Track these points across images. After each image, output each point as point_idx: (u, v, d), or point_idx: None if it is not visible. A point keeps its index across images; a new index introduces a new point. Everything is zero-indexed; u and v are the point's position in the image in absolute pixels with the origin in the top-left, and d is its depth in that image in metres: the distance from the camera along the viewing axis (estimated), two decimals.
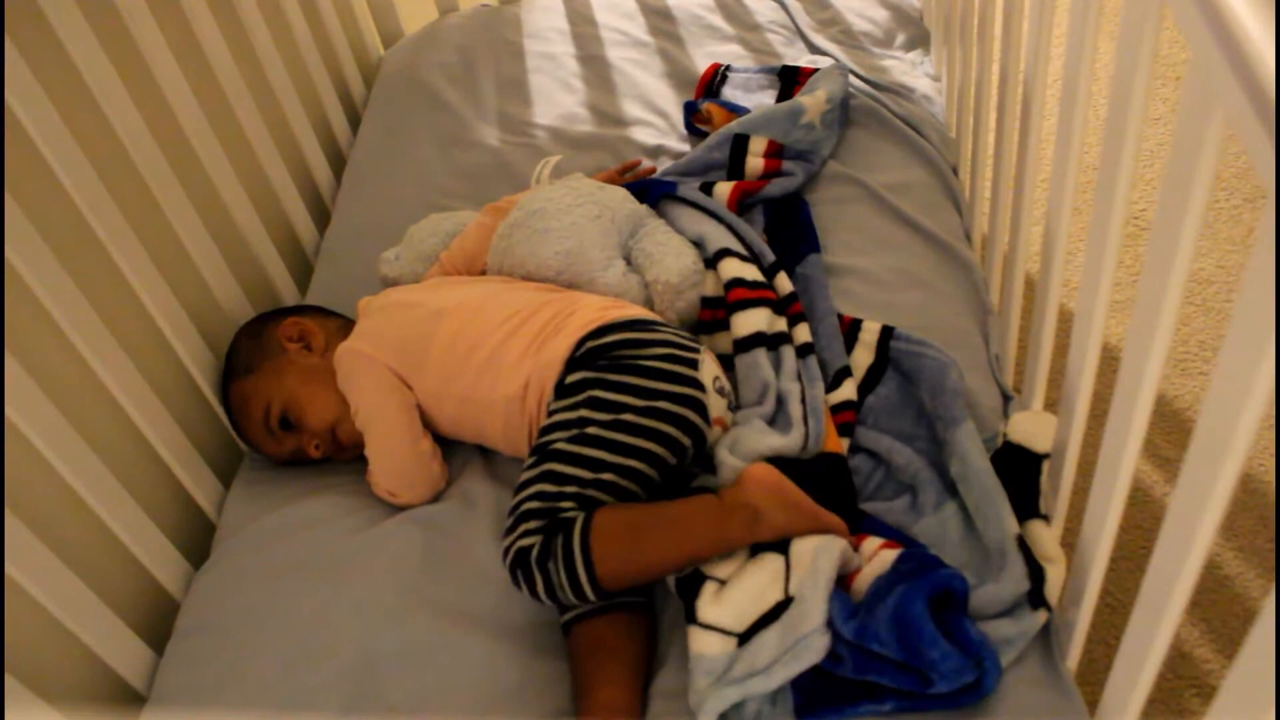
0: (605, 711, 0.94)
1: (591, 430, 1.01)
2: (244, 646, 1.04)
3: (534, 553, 0.96)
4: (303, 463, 1.21)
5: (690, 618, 0.96)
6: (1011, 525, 0.98)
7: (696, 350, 1.10)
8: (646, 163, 1.53)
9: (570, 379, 1.06)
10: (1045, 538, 0.98)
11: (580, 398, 1.04)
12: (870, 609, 0.90)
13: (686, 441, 1.05)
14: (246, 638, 1.04)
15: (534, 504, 0.98)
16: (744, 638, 0.94)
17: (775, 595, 0.95)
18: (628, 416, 1.02)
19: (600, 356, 1.07)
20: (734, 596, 0.96)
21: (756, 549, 0.99)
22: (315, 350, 1.21)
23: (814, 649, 0.89)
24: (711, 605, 0.96)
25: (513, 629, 1.03)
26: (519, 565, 0.97)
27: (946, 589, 0.89)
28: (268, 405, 1.17)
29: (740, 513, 0.97)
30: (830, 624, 0.90)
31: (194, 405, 1.23)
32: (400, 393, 1.15)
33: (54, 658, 0.98)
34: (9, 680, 0.87)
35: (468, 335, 1.14)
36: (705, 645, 0.94)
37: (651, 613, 1.03)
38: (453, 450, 1.20)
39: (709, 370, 1.10)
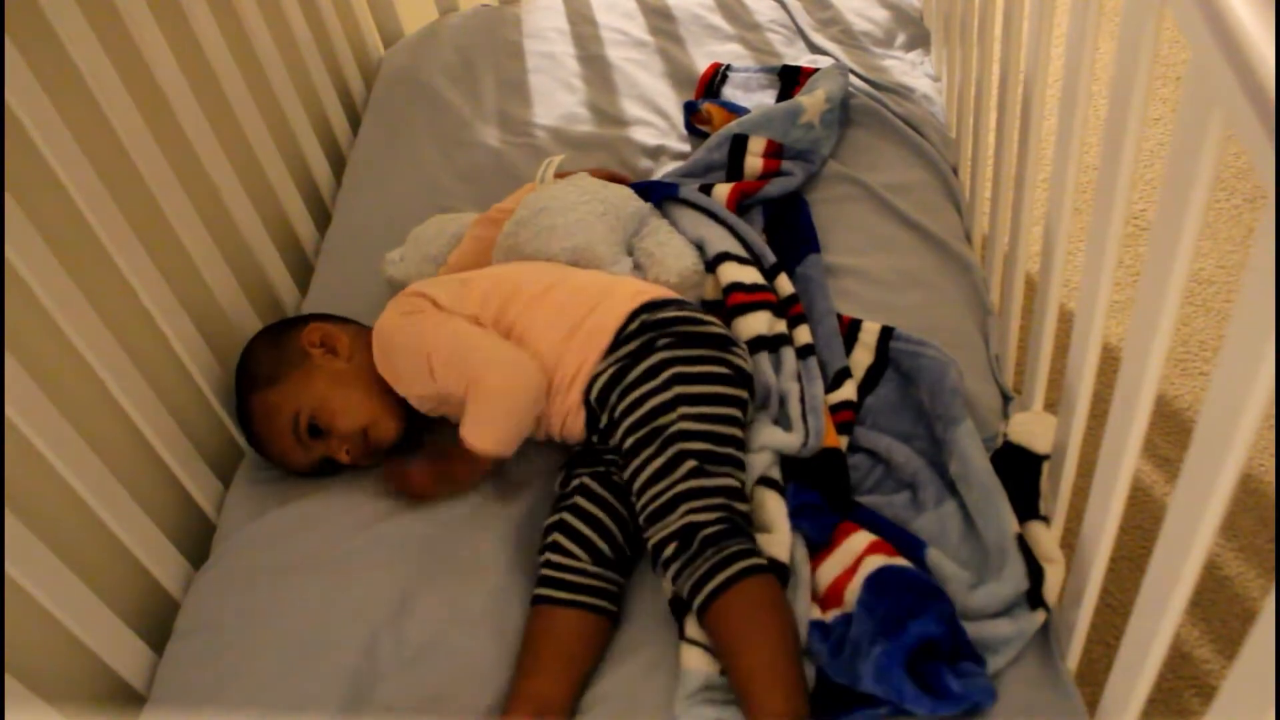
0: (532, 701, 0.95)
1: (700, 409, 1.03)
2: (244, 646, 1.04)
3: (706, 530, 0.95)
4: (325, 473, 1.18)
5: (681, 634, 0.98)
6: (1011, 524, 0.98)
7: (737, 340, 1.14)
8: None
9: (642, 365, 1.06)
10: (1044, 539, 0.98)
11: (666, 376, 1.04)
12: (852, 659, 0.91)
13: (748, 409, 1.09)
14: (246, 638, 1.04)
15: (705, 500, 0.98)
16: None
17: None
18: (719, 388, 1.05)
19: (657, 330, 1.09)
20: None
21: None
22: (341, 354, 1.19)
23: None
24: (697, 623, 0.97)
25: (513, 629, 1.03)
26: (683, 533, 0.96)
27: (924, 639, 0.89)
28: (297, 413, 1.14)
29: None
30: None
31: (194, 405, 1.22)
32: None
33: (54, 658, 0.98)
34: (9, 680, 0.87)
35: (499, 294, 1.15)
36: (692, 661, 0.95)
37: (615, 623, 1.03)
38: None
39: (748, 359, 1.13)
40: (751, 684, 0.90)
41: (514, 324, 1.13)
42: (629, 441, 1.03)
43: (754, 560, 0.95)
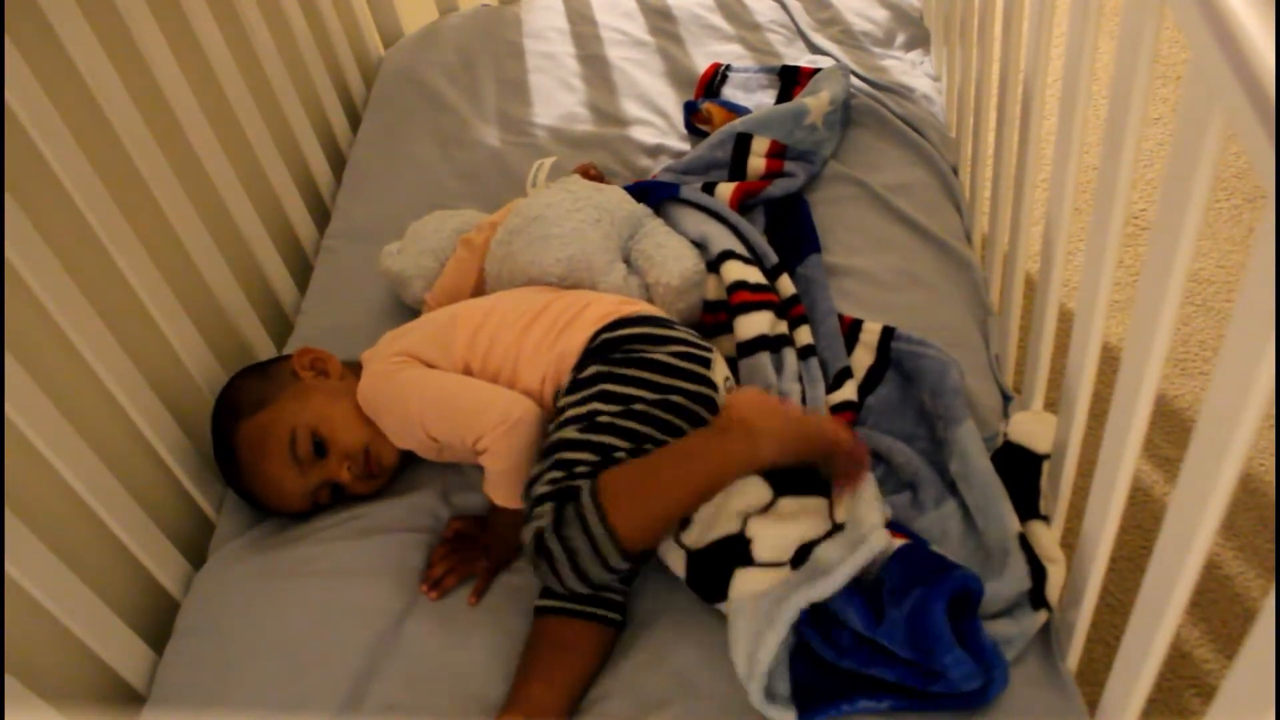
0: (533, 707, 0.95)
1: (602, 420, 1.00)
2: (244, 646, 1.04)
3: (547, 528, 0.94)
4: (317, 507, 1.15)
5: (711, 595, 0.96)
6: (1013, 524, 0.98)
7: (709, 350, 1.10)
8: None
9: (584, 373, 1.05)
10: (1045, 538, 0.98)
11: (591, 391, 1.03)
12: (885, 605, 0.90)
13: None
14: (246, 638, 1.04)
15: (545, 488, 0.97)
16: (795, 562, 0.94)
17: (823, 527, 0.95)
18: (638, 407, 1.01)
19: (614, 349, 1.07)
20: (777, 532, 0.96)
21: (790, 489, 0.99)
22: (332, 375, 1.17)
23: (878, 541, 0.90)
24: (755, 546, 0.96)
25: (513, 629, 1.03)
26: (539, 547, 0.94)
27: (964, 589, 0.89)
28: (294, 431, 1.09)
29: (735, 429, 0.98)
30: (852, 594, 0.90)
31: (194, 405, 1.22)
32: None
33: (54, 658, 0.98)
34: (9, 680, 0.87)
35: (486, 332, 1.14)
36: (755, 583, 0.93)
37: (619, 632, 1.03)
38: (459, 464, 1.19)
39: (720, 370, 1.10)
40: (700, 483, 0.98)
41: (503, 365, 1.12)
42: (544, 442, 1.03)
43: (587, 485, 0.94)
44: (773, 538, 0.95)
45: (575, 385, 1.05)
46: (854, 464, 0.99)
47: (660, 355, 1.06)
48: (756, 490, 0.99)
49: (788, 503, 0.99)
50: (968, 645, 0.87)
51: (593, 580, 0.94)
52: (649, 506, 0.95)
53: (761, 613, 0.91)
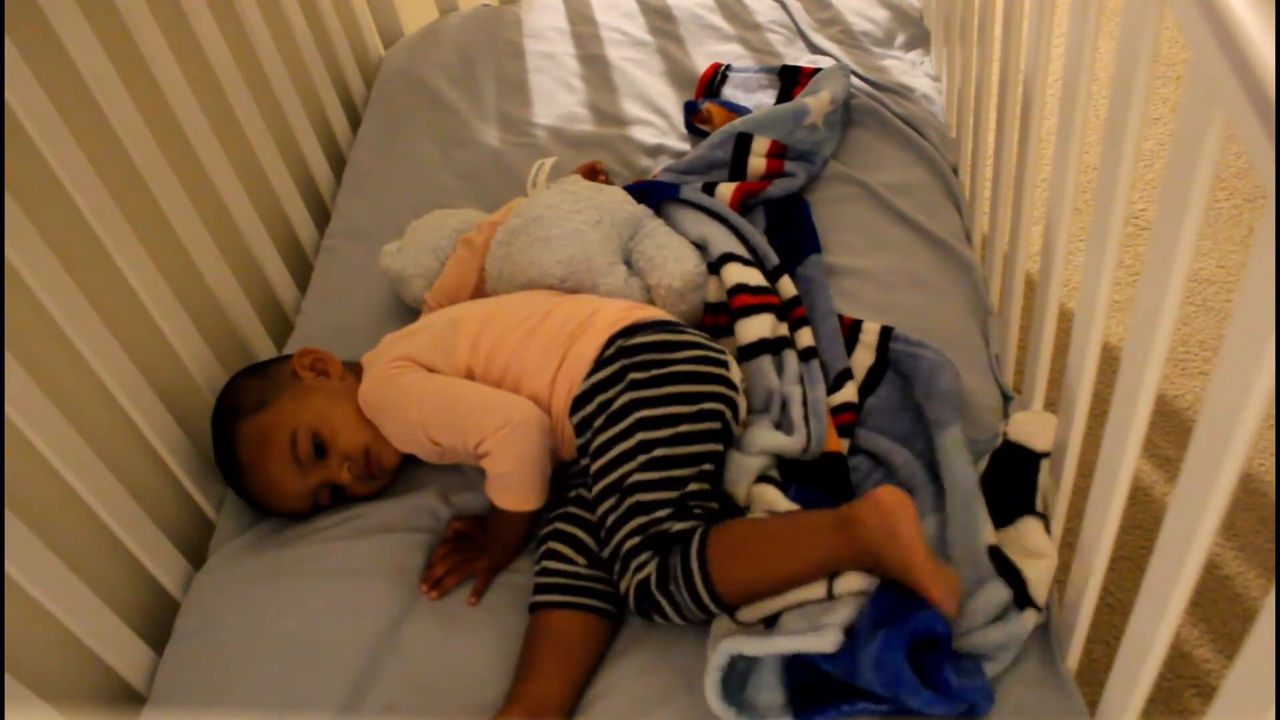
0: (533, 702, 0.95)
1: (659, 453, 1.01)
2: (244, 647, 1.04)
3: (653, 581, 0.95)
4: (316, 508, 1.15)
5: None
6: (986, 536, 0.98)
7: (723, 351, 1.11)
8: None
9: (609, 394, 1.05)
10: (1036, 534, 0.98)
11: (630, 421, 1.03)
12: (853, 649, 0.89)
13: (729, 436, 1.07)
14: (246, 638, 1.04)
15: (635, 539, 0.98)
16: (769, 623, 0.96)
17: (815, 592, 0.95)
18: (684, 428, 1.02)
19: (631, 358, 1.07)
20: (768, 603, 0.97)
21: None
22: (333, 376, 1.17)
23: (826, 639, 0.89)
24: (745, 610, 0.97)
25: (513, 630, 1.03)
26: (643, 599, 0.96)
27: (928, 632, 0.88)
28: (294, 432, 1.09)
29: (848, 529, 0.94)
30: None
31: (194, 405, 1.22)
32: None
33: (54, 658, 0.98)
34: (9, 680, 0.87)
35: (489, 336, 1.13)
36: (724, 627, 0.96)
37: (617, 622, 1.03)
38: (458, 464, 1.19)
39: (735, 371, 1.11)
40: (805, 562, 0.95)
41: (507, 370, 1.12)
42: (595, 487, 1.03)
43: (695, 539, 0.96)
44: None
45: (608, 416, 1.04)
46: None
47: (681, 364, 1.06)
48: None
49: None
50: (937, 686, 0.87)
51: (688, 621, 0.97)
52: (748, 575, 0.95)
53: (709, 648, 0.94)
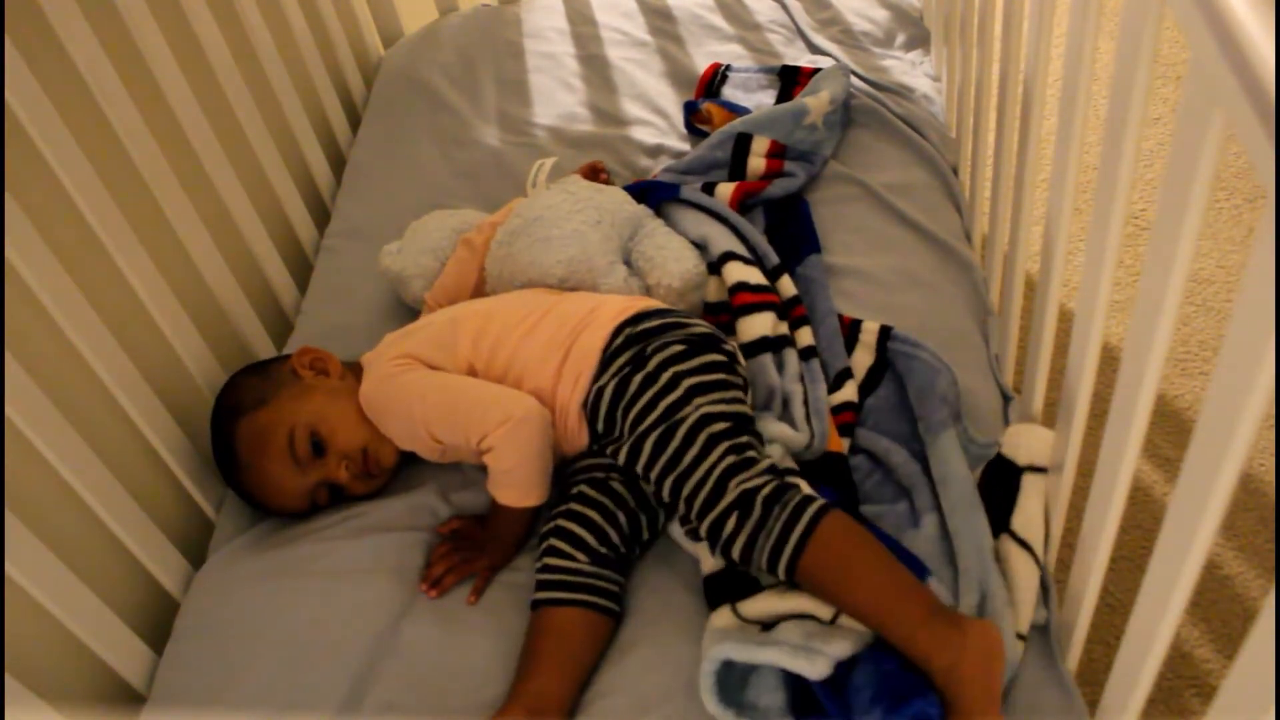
0: (534, 700, 0.95)
1: (715, 396, 1.03)
2: (243, 646, 1.04)
3: (764, 491, 0.95)
4: (314, 507, 1.14)
5: (712, 607, 0.99)
6: (989, 540, 0.98)
7: (726, 338, 1.13)
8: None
9: (651, 370, 1.05)
10: (1015, 559, 0.98)
11: (680, 392, 1.03)
12: (849, 706, 0.88)
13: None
14: (246, 638, 1.04)
15: (766, 478, 0.97)
16: (767, 626, 0.95)
17: (823, 613, 0.94)
18: (720, 375, 1.06)
19: (644, 339, 1.08)
20: (774, 602, 0.96)
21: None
22: (333, 375, 1.17)
23: (816, 666, 0.88)
24: (749, 602, 0.97)
25: (513, 628, 1.03)
26: (742, 504, 0.95)
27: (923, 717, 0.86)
28: (292, 430, 1.09)
29: (944, 628, 0.89)
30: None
31: (194, 405, 1.22)
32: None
33: (54, 658, 0.98)
34: (9, 680, 0.87)
35: (490, 333, 1.14)
36: (723, 620, 0.96)
37: (618, 621, 1.03)
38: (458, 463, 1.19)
39: (737, 351, 1.13)
40: (880, 608, 0.91)
41: (509, 367, 1.12)
42: (648, 444, 1.02)
43: (819, 503, 0.94)
44: (765, 603, 0.96)
45: (646, 382, 1.05)
46: None
47: (697, 333, 1.09)
48: None
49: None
50: None
51: (743, 560, 0.96)
52: (834, 578, 0.93)
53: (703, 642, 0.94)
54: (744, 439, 1.01)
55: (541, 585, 1.03)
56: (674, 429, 1.01)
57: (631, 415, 1.04)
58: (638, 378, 1.05)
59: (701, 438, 1.00)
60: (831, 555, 0.93)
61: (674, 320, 1.11)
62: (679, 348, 1.07)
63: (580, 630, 1.00)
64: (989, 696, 0.87)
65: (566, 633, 0.99)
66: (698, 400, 1.02)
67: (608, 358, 1.09)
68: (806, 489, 0.98)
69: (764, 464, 0.99)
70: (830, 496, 1.05)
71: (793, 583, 0.95)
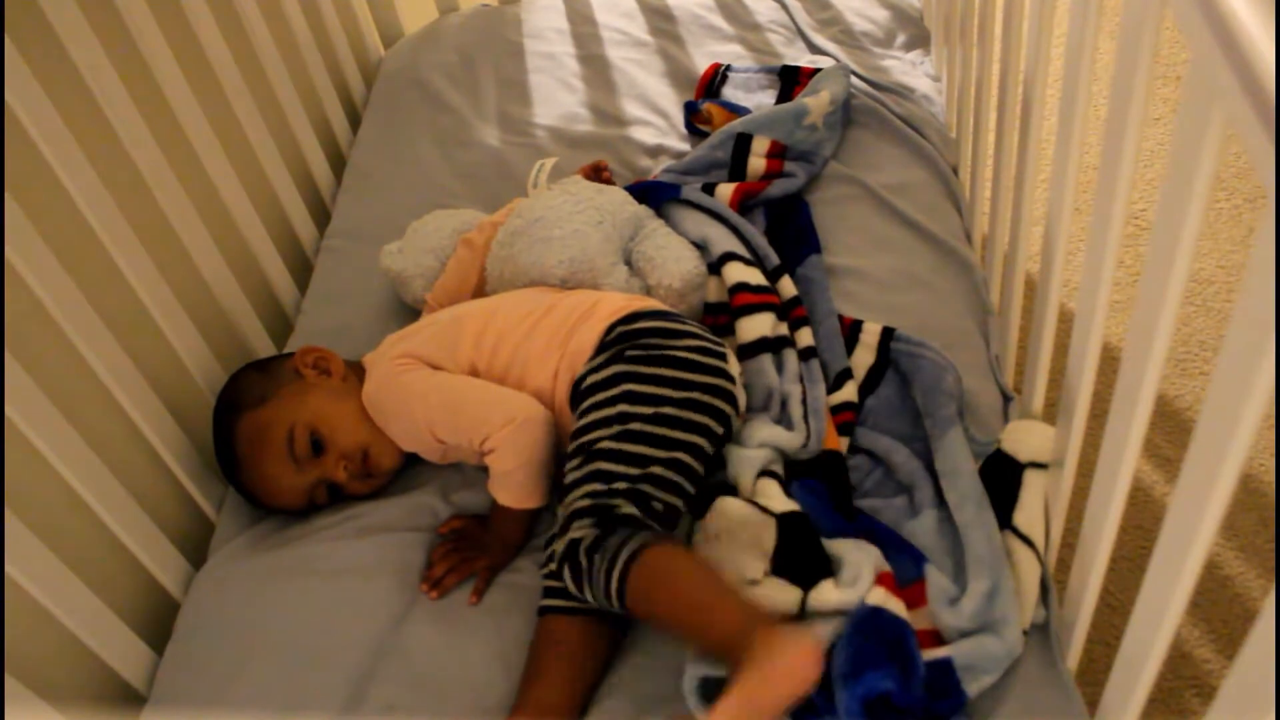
0: (540, 709, 0.95)
1: (634, 426, 1.01)
2: (244, 646, 1.04)
3: (584, 543, 0.93)
4: (313, 506, 1.15)
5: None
6: (997, 536, 0.98)
7: (722, 345, 1.11)
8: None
9: (604, 372, 1.05)
10: (1018, 555, 0.98)
11: (616, 392, 1.03)
12: (828, 690, 0.88)
13: (720, 431, 1.06)
14: (246, 638, 1.04)
15: (585, 502, 0.97)
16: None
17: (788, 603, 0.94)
18: (667, 410, 1.02)
19: (631, 342, 1.07)
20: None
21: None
22: (335, 374, 1.17)
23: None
24: None
25: (513, 629, 1.03)
26: (568, 557, 0.94)
27: (880, 693, 0.86)
28: (292, 428, 1.09)
29: (756, 621, 0.87)
30: None
31: (194, 405, 1.22)
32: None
33: (54, 658, 0.98)
34: (9, 680, 0.88)
35: (492, 332, 1.14)
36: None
37: (624, 632, 1.02)
38: (458, 463, 1.19)
39: (734, 365, 1.11)
40: (696, 615, 0.88)
41: (510, 366, 1.12)
42: (569, 446, 1.03)
43: (637, 541, 0.91)
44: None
45: (596, 385, 1.05)
46: None
47: (679, 351, 1.07)
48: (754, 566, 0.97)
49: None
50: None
51: (587, 599, 0.95)
52: (655, 605, 0.91)
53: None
54: (618, 484, 0.97)
55: (548, 592, 1.02)
56: (580, 448, 1.01)
57: (579, 408, 1.05)
58: (598, 376, 1.05)
59: (589, 468, 0.99)
60: (647, 583, 0.90)
61: (668, 327, 1.10)
62: (647, 369, 1.04)
63: (588, 641, 0.99)
64: (763, 694, 0.82)
65: (574, 644, 0.99)
66: (617, 428, 1.00)
67: (598, 353, 1.09)
68: (629, 531, 0.93)
69: (594, 514, 0.95)
70: (823, 493, 1.05)
71: (627, 611, 0.93)
